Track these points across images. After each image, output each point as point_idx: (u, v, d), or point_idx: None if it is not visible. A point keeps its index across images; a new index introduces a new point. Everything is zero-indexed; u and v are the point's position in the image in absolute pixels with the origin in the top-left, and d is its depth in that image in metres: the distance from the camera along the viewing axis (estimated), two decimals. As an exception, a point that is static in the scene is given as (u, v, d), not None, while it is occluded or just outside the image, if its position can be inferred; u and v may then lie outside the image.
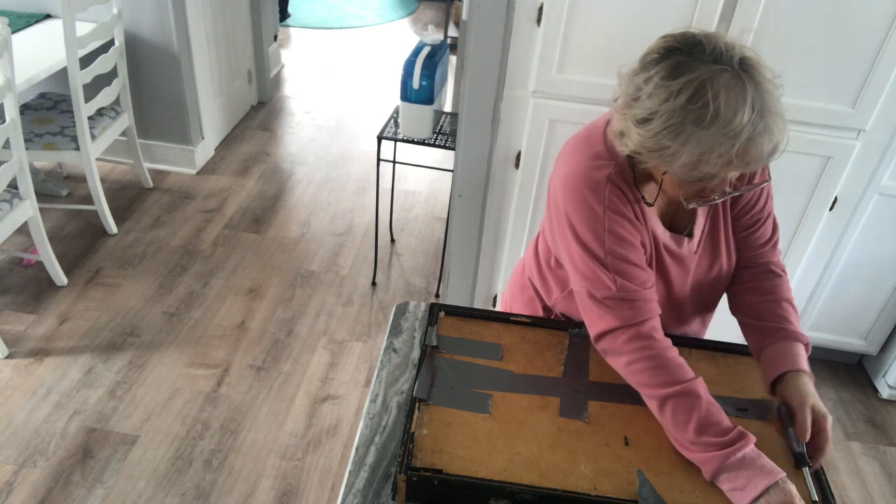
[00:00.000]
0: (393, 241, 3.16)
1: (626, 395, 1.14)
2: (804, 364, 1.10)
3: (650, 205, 1.11)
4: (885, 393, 2.54)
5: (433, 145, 2.51)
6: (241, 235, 3.05)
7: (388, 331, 1.29)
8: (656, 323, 1.10)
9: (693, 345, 1.27)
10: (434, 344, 1.19)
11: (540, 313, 1.36)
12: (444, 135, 2.54)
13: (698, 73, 0.89)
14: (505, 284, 2.41)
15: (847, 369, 2.68)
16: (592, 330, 1.13)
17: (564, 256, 1.15)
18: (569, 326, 1.27)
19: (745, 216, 1.19)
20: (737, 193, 1.03)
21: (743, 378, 1.22)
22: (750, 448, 0.98)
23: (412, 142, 2.50)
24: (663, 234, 1.15)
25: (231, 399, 2.26)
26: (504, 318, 1.28)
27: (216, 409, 2.22)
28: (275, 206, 3.28)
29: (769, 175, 1.15)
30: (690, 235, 1.17)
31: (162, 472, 2.00)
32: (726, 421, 1.01)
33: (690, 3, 1.79)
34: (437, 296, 2.82)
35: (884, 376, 2.53)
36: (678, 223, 1.18)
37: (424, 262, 3.03)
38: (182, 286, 2.71)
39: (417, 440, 1.02)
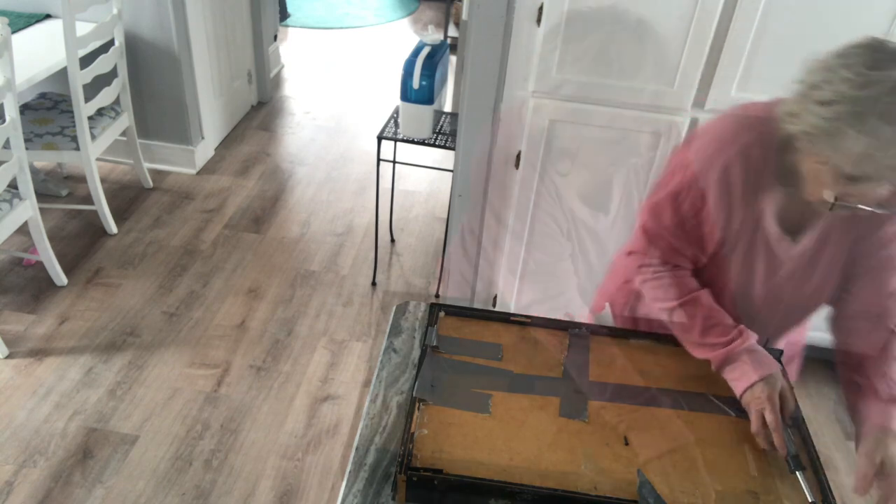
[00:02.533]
0: (393, 241, 3.16)
1: (626, 394, 1.14)
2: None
3: (789, 186, 1.07)
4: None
5: (433, 145, 2.51)
6: (241, 235, 3.05)
7: (388, 331, 1.29)
8: (686, 270, 1.21)
9: None
10: (434, 344, 1.19)
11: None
12: (444, 135, 2.54)
13: None
14: (505, 284, 2.41)
15: (847, 369, 2.68)
16: (629, 247, 1.27)
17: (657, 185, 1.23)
18: (569, 326, 1.27)
19: (874, 255, 1.14)
20: (881, 211, 0.99)
21: None
22: (748, 344, 1.11)
23: (412, 142, 2.50)
24: (770, 225, 1.12)
25: (231, 399, 2.26)
26: (504, 318, 1.28)
27: (216, 409, 2.22)
28: (275, 206, 3.28)
29: None
30: (796, 242, 1.15)
31: (162, 472, 2.00)
32: (728, 321, 1.14)
33: (691, 3, 1.79)
34: (437, 296, 2.82)
35: (884, 376, 2.53)
36: (791, 226, 1.14)
37: (424, 262, 3.03)
38: (182, 286, 2.71)
39: (417, 440, 1.02)
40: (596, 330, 1.27)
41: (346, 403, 2.30)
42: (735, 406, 1.14)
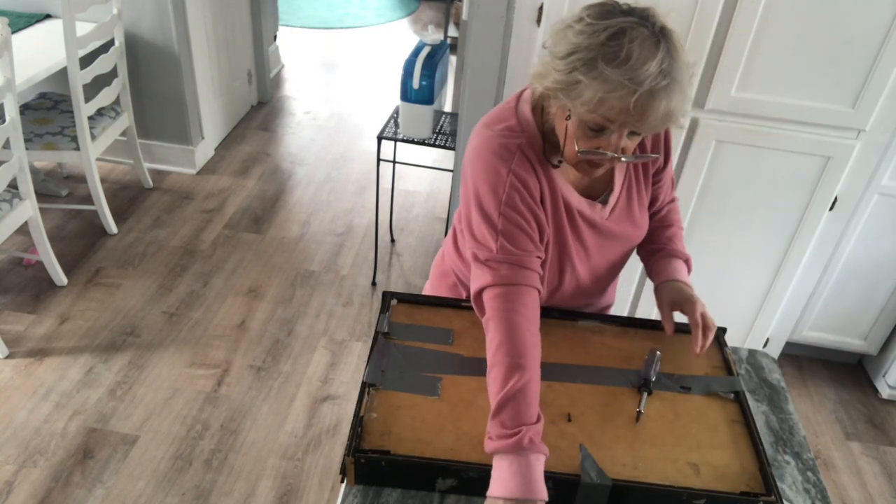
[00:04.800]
0: (393, 241, 3.16)
1: (570, 374, 1.18)
2: (681, 276, 1.27)
3: (556, 166, 1.15)
4: (885, 393, 2.54)
5: (433, 145, 2.51)
6: (241, 235, 3.05)
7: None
8: (531, 293, 1.09)
9: (637, 324, 1.32)
10: (385, 330, 1.22)
11: (463, 296, 1.39)
12: (444, 135, 2.54)
13: (622, 21, 0.96)
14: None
15: (847, 369, 2.68)
16: (472, 288, 1.13)
17: (465, 225, 1.18)
18: None
19: (660, 181, 1.28)
20: (628, 159, 1.04)
21: (686, 356, 1.25)
22: (535, 456, 0.95)
23: (412, 142, 2.50)
24: (577, 200, 1.18)
25: (231, 399, 2.26)
26: (455, 304, 1.31)
27: (216, 409, 2.22)
28: (275, 206, 3.28)
29: (667, 155, 1.25)
30: (605, 203, 1.21)
31: (162, 472, 2.00)
32: (532, 415, 0.98)
33: (690, 2, 1.79)
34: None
35: (884, 376, 2.54)
36: (593, 193, 1.21)
37: (424, 262, 3.03)
38: (182, 286, 2.71)
39: (366, 424, 1.04)
40: (545, 312, 1.29)
41: (346, 403, 2.30)
42: (679, 383, 1.18)
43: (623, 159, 1.03)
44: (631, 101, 0.93)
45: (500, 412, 0.98)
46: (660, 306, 1.27)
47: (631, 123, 0.97)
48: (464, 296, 1.39)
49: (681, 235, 1.35)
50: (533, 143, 1.13)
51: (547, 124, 1.13)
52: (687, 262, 1.31)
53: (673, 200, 1.38)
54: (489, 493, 0.95)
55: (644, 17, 0.97)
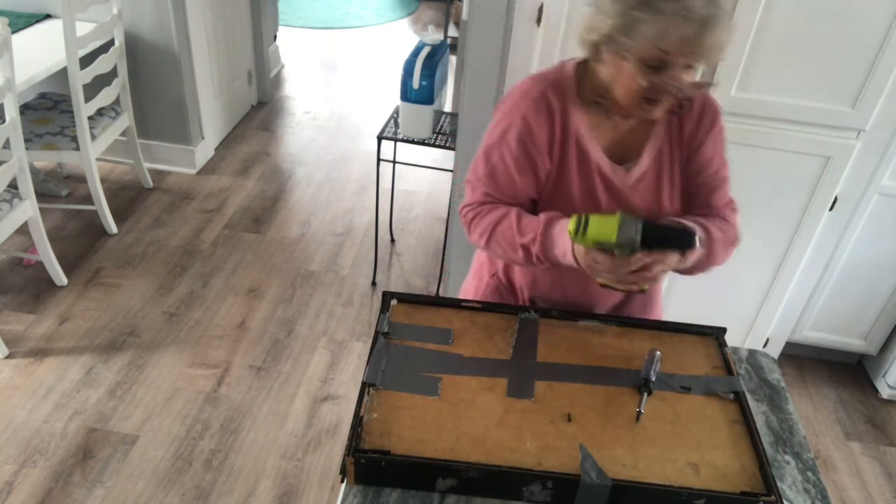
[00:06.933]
0: (393, 241, 3.16)
1: (571, 374, 1.18)
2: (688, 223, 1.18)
3: (602, 102, 1.18)
4: (885, 393, 2.54)
5: (433, 145, 2.51)
6: (241, 235, 3.05)
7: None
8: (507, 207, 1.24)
9: (637, 324, 1.31)
10: (385, 330, 1.22)
11: (485, 278, 1.44)
12: (444, 135, 2.54)
13: None
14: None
15: (847, 369, 2.68)
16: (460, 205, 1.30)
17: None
18: (519, 310, 1.30)
19: (702, 174, 1.26)
20: (686, 94, 1.10)
21: (687, 356, 1.25)
22: (555, 216, 1.17)
23: (412, 142, 2.50)
24: (602, 159, 1.21)
25: (231, 399, 2.26)
26: (455, 304, 1.31)
27: (216, 409, 2.22)
28: (275, 206, 3.28)
29: (713, 104, 1.25)
30: (629, 171, 1.22)
31: (162, 472, 2.00)
32: (536, 216, 1.19)
33: (690, 3, 1.79)
34: (437, 296, 2.82)
35: (884, 376, 2.54)
36: (621, 157, 1.23)
37: (424, 262, 3.03)
38: (182, 286, 2.71)
39: (366, 424, 1.04)
40: (545, 313, 1.30)
41: (346, 403, 2.30)
42: (679, 383, 1.18)
43: (685, 93, 1.09)
44: (688, 29, 1.01)
45: (524, 233, 1.18)
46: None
47: (688, 53, 1.03)
48: (485, 276, 1.44)
49: (721, 228, 1.24)
50: (562, 85, 1.19)
51: (593, 80, 1.17)
52: (701, 240, 1.15)
53: (731, 205, 1.30)
54: (571, 260, 1.13)
55: None
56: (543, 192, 1.25)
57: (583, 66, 1.21)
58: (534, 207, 1.27)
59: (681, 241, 1.10)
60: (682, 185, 1.27)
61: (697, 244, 1.10)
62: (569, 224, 1.10)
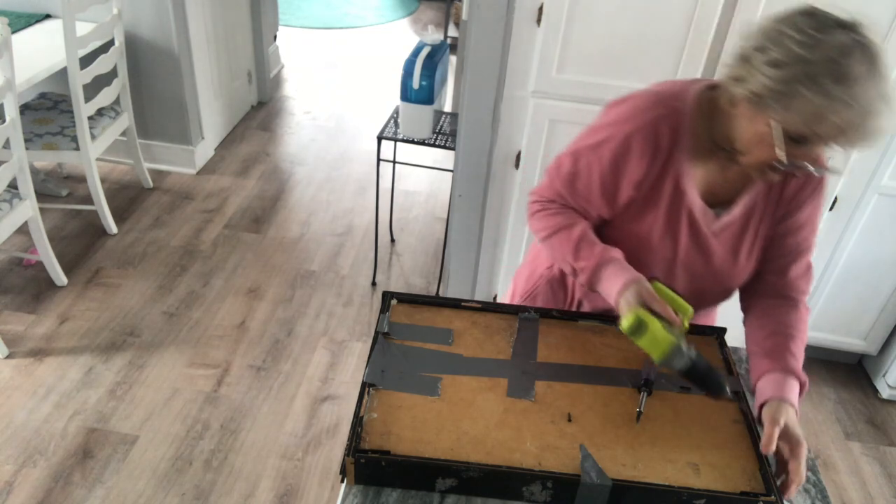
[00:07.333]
0: (393, 241, 3.16)
1: (571, 374, 1.17)
2: (793, 397, 1.11)
3: (717, 151, 1.12)
4: (885, 393, 2.54)
5: (433, 145, 2.51)
6: (241, 235, 3.05)
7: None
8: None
9: None
10: (385, 330, 1.22)
11: (540, 268, 1.43)
12: (444, 135, 2.54)
13: (845, 38, 0.95)
14: (505, 284, 2.41)
15: (847, 369, 2.68)
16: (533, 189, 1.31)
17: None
18: (519, 310, 1.30)
19: (790, 237, 1.20)
20: (819, 172, 1.07)
21: None
22: (614, 258, 1.16)
23: (412, 142, 2.50)
24: (696, 201, 1.16)
25: (231, 399, 2.26)
26: (455, 304, 1.31)
27: (216, 409, 2.22)
28: (275, 206, 3.28)
29: (822, 188, 1.20)
30: (718, 217, 1.19)
31: (162, 472, 2.00)
32: (598, 245, 1.18)
33: (691, 2, 1.79)
34: (437, 296, 2.82)
35: (884, 376, 2.54)
36: (715, 200, 1.18)
37: (424, 262, 3.03)
38: (182, 286, 2.71)
39: (366, 424, 1.04)
40: (545, 313, 1.30)
41: (346, 403, 2.30)
42: (679, 384, 1.17)
43: (818, 173, 1.04)
44: (849, 119, 0.93)
45: (579, 255, 1.18)
46: (763, 418, 1.10)
47: (840, 139, 0.96)
48: (540, 268, 1.44)
49: (804, 339, 1.20)
50: (678, 117, 1.11)
51: (717, 121, 1.10)
52: (803, 386, 1.14)
53: (807, 275, 1.25)
54: (611, 299, 1.13)
55: (860, 33, 0.97)
56: (622, 215, 1.21)
57: (708, 95, 1.11)
58: (602, 222, 1.25)
59: (716, 389, 1.08)
60: (765, 242, 1.22)
61: (728, 394, 1.10)
62: (623, 321, 1.08)
